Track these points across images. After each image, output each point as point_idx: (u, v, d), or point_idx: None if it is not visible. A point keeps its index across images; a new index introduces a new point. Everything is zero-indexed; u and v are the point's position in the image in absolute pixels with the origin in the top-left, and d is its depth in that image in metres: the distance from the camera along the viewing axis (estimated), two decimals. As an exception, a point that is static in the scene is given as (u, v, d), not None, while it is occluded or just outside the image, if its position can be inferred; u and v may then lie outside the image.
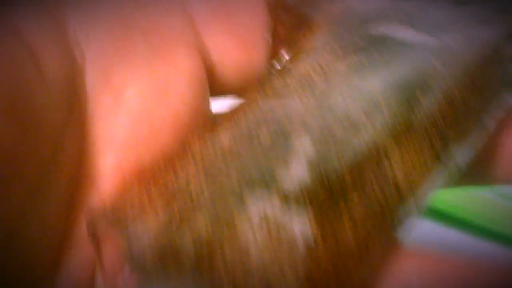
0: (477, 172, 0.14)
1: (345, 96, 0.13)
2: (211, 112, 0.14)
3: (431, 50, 0.14)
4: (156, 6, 0.13)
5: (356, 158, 0.12)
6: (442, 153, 0.13)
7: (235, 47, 0.14)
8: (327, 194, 0.12)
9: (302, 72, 0.14)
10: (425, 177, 0.13)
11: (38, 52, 0.11)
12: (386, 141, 0.12)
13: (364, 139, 0.12)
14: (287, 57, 0.15)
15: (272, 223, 0.11)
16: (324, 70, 0.14)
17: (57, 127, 0.11)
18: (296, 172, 0.12)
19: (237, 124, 0.13)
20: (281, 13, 0.15)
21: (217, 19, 0.14)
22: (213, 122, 0.13)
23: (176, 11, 0.14)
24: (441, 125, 0.13)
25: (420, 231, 0.15)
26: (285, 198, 0.11)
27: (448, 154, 0.13)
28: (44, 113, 0.11)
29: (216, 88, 0.15)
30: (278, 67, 0.14)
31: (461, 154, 0.13)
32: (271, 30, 0.15)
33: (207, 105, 0.14)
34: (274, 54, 0.15)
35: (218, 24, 0.14)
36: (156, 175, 0.12)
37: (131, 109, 0.12)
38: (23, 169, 0.11)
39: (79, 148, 0.12)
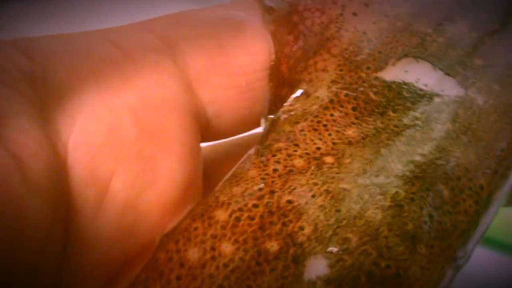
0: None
1: (360, 189, 0.11)
2: (201, 182, 0.13)
3: (456, 109, 0.13)
4: (145, 74, 0.12)
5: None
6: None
7: (235, 98, 0.13)
8: None
9: (308, 143, 0.12)
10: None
11: (21, 155, 0.10)
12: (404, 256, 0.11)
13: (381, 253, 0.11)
14: (289, 101, 0.13)
15: None
16: (334, 141, 0.12)
17: (42, 230, 0.10)
18: None
19: (236, 220, 0.11)
20: (284, 47, 0.14)
21: (215, 70, 0.13)
22: (205, 201, 0.12)
23: (169, 75, 0.12)
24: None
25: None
26: None
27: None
28: (29, 217, 0.10)
29: (213, 135, 0.14)
30: (282, 115, 0.13)
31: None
32: (274, 69, 0.13)
33: (198, 176, 0.13)
34: (275, 96, 0.13)
35: (216, 76, 0.13)
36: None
37: (117, 201, 0.11)
38: (6, 274, 0.10)
39: (63, 246, 0.11)
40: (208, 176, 0.14)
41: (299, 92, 0.13)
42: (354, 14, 0.14)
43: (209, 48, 0.13)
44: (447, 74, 0.14)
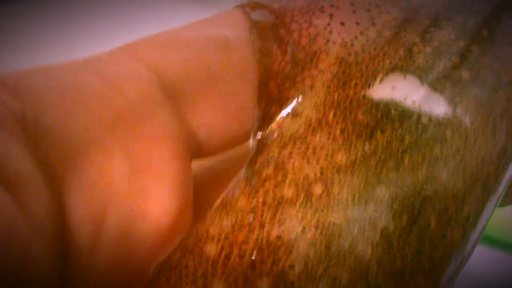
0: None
1: (349, 222, 0.11)
2: (192, 207, 0.13)
3: (444, 131, 0.13)
4: (136, 108, 0.12)
5: None
6: None
7: (225, 120, 0.13)
8: None
9: (296, 171, 0.12)
10: None
11: (24, 199, 0.10)
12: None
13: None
14: (278, 120, 0.13)
15: None
16: (322, 168, 0.12)
17: (44, 269, 0.11)
18: None
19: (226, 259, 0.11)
20: (272, 63, 0.13)
21: (204, 96, 0.13)
22: (196, 232, 0.12)
23: (159, 106, 0.12)
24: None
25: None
26: None
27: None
28: (33, 258, 0.10)
29: (202, 155, 0.14)
30: (270, 136, 0.13)
31: None
32: (262, 87, 0.13)
33: (190, 202, 0.13)
34: (265, 113, 0.13)
35: (205, 102, 0.13)
36: None
37: (111, 235, 0.11)
38: None
39: (60, 284, 0.11)
40: (197, 195, 0.14)
41: (287, 111, 0.13)
42: (342, 23, 0.14)
43: (197, 73, 0.12)
44: (435, 89, 0.13)
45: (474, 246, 0.13)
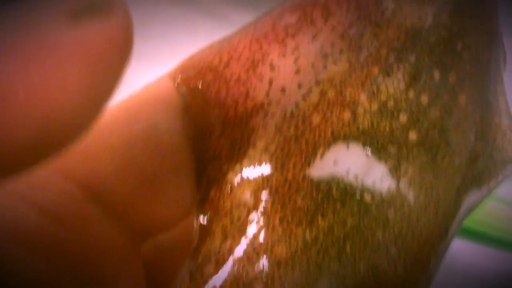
0: None
1: None
2: None
3: (386, 211, 0.12)
4: (76, 237, 0.12)
5: None
6: None
7: (167, 215, 0.13)
8: None
9: (237, 271, 0.12)
10: None
11: None
12: None
13: None
14: (219, 205, 0.13)
15: None
16: (263, 264, 0.11)
17: None
18: None
19: None
20: (206, 152, 0.13)
21: (143, 200, 0.13)
22: None
23: (97, 225, 0.12)
24: None
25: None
26: None
27: None
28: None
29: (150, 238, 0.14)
30: (211, 222, 0.13)
31: None
32: (201, 170, 0.13)
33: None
34: (204, 196, 0.13)
35: (145, 206, 0.13)
36: None
37: None
38: None
39: None
40: (151, 271, 0.14)
41: (226, 197, 0.12)
42: (282, 90, 0.13)
43: (131, 180, 0.12)
44: (379, 158, 0.12)
45: None
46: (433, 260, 0.12)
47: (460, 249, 0.37)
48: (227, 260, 0.12)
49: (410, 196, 0.12)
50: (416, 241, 0.12)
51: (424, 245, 0.12)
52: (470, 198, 0.13)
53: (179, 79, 0.13)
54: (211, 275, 0.12)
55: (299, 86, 0.13)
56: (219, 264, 0.12)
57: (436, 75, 0.13)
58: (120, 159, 0.12)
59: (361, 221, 0.12)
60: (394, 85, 0.13)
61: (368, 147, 0.12)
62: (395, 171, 0.12)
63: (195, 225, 0.13)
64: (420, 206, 0.12)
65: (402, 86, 0.13)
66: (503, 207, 0.37)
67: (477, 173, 0.13)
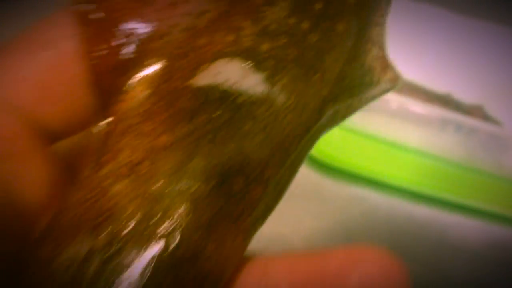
0: None
1: (169, 186, 0.14)
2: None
3: (256, 109, 0.15)
4: None
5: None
6: None
7: (72, 119, 0.15)
8: None
9: (129, 153, 0.14)
10: None
11: None
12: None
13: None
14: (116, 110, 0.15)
15: None
16: (150, 149, 0.14)
17: None
18: None
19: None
20: (105, 60, 0.15)
21: (49, 102, 0.15)
22: None
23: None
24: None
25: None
26: None
27: None
28: None
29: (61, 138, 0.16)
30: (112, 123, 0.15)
31: None
32: (99, 80, 0.15)
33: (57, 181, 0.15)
34: (102, 106, 0.15)
35: (49, 106, 0.15)
36: None
37: None
38: None
39: None
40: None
41: (121, 102, 0.15)
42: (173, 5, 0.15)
43: (35, 89, 0.15)
44: (258, 69, 0.15)
45: (277, 198, 0.15)
46: (294, 150, 0.15)
47: (450, 223, 0.38)
48: (123, 149, 0.15)
49: (281, 98, 0.15)
50: (281, 132, 0.15)
51: (288, 136, 0.15)
52: (336, 108, 0.16)
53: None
54: (107, 162, 0.14)
55: (190, 14, 0.15)
56: (116, 154, 0.15)
57: (318, 6, 0.16)
58: (27, 71, 0.15)
59: (232, 117, 0.15)
60: (277, 12, 0.15)
61: (248, 62, 0.15)
62: (270, 80, 0.15)
63: (94, 131, 0.15)
64: (288, 107, 0.15)
65: (284, 12, 0.15)
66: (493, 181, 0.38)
67: (344, 89, 0.16)
